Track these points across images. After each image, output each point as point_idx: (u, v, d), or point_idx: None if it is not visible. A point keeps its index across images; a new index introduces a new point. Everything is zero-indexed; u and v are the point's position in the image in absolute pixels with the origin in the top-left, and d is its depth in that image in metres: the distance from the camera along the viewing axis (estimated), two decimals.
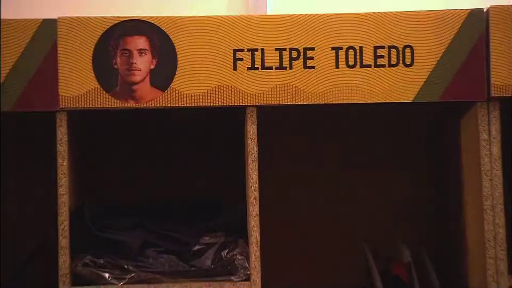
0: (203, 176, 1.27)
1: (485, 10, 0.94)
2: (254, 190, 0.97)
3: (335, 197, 1.31)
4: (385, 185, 1.32)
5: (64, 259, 0.96)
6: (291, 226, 1.28)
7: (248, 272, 0.98)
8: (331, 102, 0.96)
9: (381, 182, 1.32)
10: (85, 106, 0.95)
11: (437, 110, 1.12)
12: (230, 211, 1.09)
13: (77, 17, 0.94)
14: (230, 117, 1.10)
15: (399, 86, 0.95)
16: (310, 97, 0.96)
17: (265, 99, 0.96)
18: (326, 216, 1.31)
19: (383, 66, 0.95)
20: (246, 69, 0.96)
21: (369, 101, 0.95)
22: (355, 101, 0.96)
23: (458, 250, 1.10)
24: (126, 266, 1.01)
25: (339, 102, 0.96)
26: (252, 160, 0.96)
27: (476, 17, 0.93)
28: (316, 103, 0.97)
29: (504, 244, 0.91)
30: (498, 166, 0.92)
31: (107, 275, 1.01)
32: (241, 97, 0.96)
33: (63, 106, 0.94)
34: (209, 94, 0.96)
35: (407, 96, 0.94)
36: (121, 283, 0.99)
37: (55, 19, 0.94)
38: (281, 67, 0.96)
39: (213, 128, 1.24)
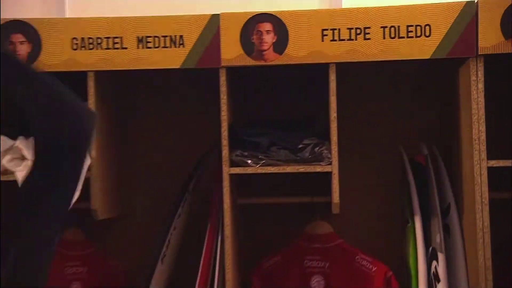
0: (305, 106, 1.72)
1: (476, 1, 1.37)
2: (334, 112, 1.45)
3: (381, 119, 1.77)
4: (413, 113, 1.77)
5: (225, 152, 1.47)
6: (358, 134, 1.74)
7: (331, 160, 1.46)
8: (380, 59, 1.43)
9: (411, 111, 1.77)
10: (235, 64, 1.46)
11: (446, 64, 1.54)
12: (320, 124, 1.55)
13: (232, 12, 1.45)
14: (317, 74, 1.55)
15: (422, 49, 1.41)
16: (367, 57, 1.43)
17: (340, 58, 1.43)
18: (377, 129, 1.77)
19: (412, 37, 1.41)
20: (329, 41, 1.43)
21: (403, 58, 1.42)
22: (395, 58, 1.42)
23: (457, 150, 1.57)
24: (260, 156, 1.51)
25: (385, 59, 1.43)
26: (332, 94, 1.44)
27: (470, 5, 1.38)
28: (371, 60, 1.43)
29: (484, 142, 1.38)
30: (481, 95, 1.38)
31: (249, 161, 1.51)
32: (326, 58, 1.44)
33: (223, 65, 1.45)
34: (307, 56, 1.44)
35: (427, 54, 1.41)
36: (257, 166, 1.50)
37: (219, 14, 1.44)
38: (350, 39, 1.43)
39: (309, 79, 1.67)
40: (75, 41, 1.47)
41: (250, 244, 1.77)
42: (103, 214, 1.57)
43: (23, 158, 1.52)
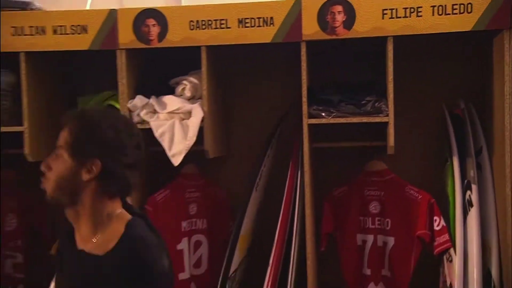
0: (367, 72, 1.86)
1: None
2: (391, 75, 1.62)
3: (428, 80, 1.92)
4: (454, 76, 1.91)
5: (305, 107, 1.68)
6: (409, 92, 1.88)
7: (387, 113, 1.64)
8: (429, 32, 1.59)
9: (452, 73, 1.91)
10: (313, 38, 1.65)
11: (482, 35, 1.66)
12: (379, 85, 1.69)
13: None
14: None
15: (464, 23, 1.57)
16: (419, 30, 1.60)
17: (397, 32, 1.61)
18: (424, 88, 1.93)
19: (456, 14, 1.57)
20: (388, 18, 1.61)
21: (448, 31, 1.58)
22: (441, 31, 1.59)
23: (489, 104, 1.72)
24: (331, 110, 1.69)
25: (436, 32, 1.58)
26: (390, 61, 1.62)
27: None
28: (422, 33, 1.60)
29: None
30: None
31: (323, 114, 1.70)
32: (385, 32, 1.62)
33: (304, 39, 1.65)
34: (370, 31, 1.63)
35: (468, 27, 1.57)
36: (329, 117, 1.68)
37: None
38: (405, 16, 1.60)
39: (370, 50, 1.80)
40: (191, 23, 1.71)
41: (323, 178, 1.95)
42: (213, 154, 1.81)
43: (155, 111, 1.82)
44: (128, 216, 1.15)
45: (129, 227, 1.12)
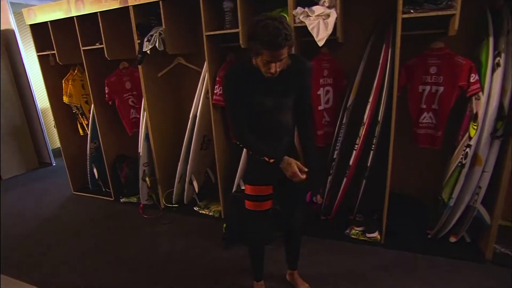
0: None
1: None
2: None
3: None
4: None
5: (400, 7, 1.68)
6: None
7: (456, 7, 1.61)
8: None
9: None
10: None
11: None
12: None
13: None
14: None
15: None
16: None
17: None
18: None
19: None
20: None
21: None
22: None
23: None
24: (416, 7, 1.67)
25: None
26: None
27: None
28: None
29: None
30: None
31: (412, 10, 1.69)
32: None
33: None
34: None
35: None
36: (413, 12, 1.69)
37: None
38: None
39: None
40: None
41: (404, 52, 1.86)
42: (341, 40, 1.91)
43: (308, 15, 1.90)
44: None
45: None
